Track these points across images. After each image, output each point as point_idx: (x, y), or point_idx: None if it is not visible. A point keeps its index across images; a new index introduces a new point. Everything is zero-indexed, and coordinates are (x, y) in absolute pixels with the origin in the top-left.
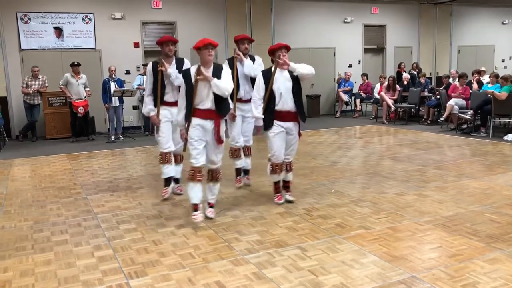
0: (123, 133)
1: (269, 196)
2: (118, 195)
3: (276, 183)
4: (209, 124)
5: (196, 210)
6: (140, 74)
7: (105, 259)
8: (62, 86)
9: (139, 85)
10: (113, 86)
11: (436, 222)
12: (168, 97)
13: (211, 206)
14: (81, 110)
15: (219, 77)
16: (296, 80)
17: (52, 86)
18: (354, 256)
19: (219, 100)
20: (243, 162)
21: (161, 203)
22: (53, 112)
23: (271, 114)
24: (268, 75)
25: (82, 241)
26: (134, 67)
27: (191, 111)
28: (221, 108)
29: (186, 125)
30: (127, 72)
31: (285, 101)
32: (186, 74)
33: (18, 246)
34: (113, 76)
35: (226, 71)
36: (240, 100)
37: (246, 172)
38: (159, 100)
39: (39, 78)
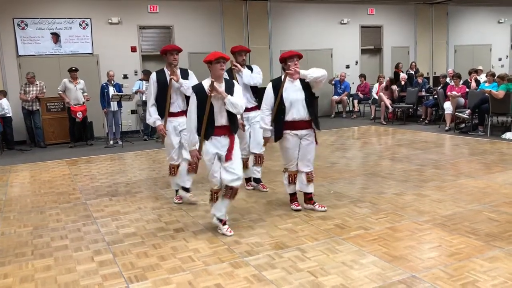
0: (122, 138)
1: (268, 198)
2: (117, 200)
3: (293, 195)
4: (223, 140)
5: (224, 224)
6: (139, 80)
7: (105, 264)
8: (61, 92)
9: (138, 89)
10: (111, 90)
11: (435, 222)
12: (173, 108)
13: (224, 223)
14: (79, 115)
15: (231, 93)
16: (307, 88)
17: (50, 91)
18: (354, 257)
19: (231, 116)
20: (249, 172)
21: (160, 207)
22: (52, 117)
23: (280, 124)
24: (277, 86)
25: (82, 246)
26: (132, 71)
27: (204, 129)
28: (233, 124)
29: (198, 144)
30: (125, 77)
31: (296, 111)
32: (199, 89)
33: (18, 252)
34: (112, 81)
35: (238, 87)
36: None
37: (257, 180)
38: (167, 110)
39: (37, 84)
